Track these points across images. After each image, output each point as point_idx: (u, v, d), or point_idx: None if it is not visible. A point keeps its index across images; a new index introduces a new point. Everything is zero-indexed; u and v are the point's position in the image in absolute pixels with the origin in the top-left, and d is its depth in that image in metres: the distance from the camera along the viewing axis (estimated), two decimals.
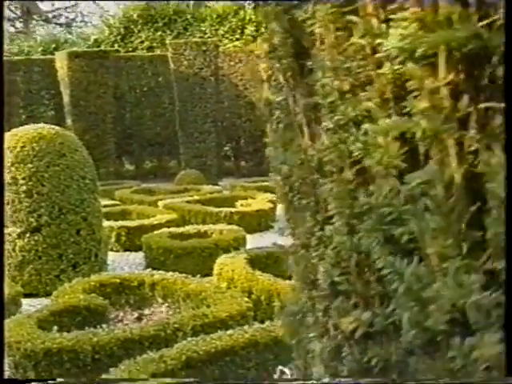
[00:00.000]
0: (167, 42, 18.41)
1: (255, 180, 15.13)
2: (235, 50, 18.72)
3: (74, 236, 7.29)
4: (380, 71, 1.22)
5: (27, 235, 7.18)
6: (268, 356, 4.53)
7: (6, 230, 7.19)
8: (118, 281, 6.32)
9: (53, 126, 7.68)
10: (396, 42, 1.10)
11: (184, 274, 7.35)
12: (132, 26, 23.50)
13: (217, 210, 10.62)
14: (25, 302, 6.68)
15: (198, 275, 6.64)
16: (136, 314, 6.12)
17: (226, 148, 19.88)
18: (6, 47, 24.09)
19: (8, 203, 7.20)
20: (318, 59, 1.44)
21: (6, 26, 31.07)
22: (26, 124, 17.90)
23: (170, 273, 6.45)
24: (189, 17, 22.74)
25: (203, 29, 22.65)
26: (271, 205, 11.03)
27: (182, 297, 5.94)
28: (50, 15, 30.25)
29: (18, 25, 30.17)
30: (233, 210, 10.63)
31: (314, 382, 4.05)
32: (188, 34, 22.86)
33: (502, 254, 1.06)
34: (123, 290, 6.32)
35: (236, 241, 8.17)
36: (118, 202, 12.07)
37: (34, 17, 29.64)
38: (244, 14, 21.99)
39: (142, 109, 19.47)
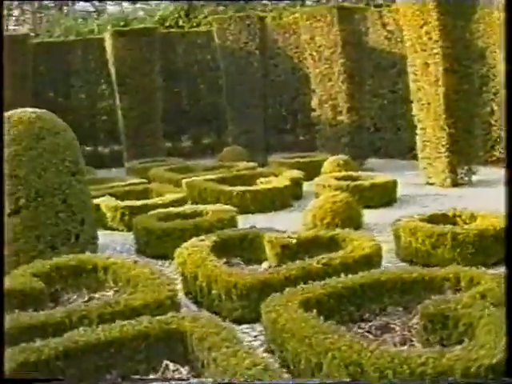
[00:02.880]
0: (210, 17, 18.39)
1: (304, 155, 14.97)
2: (289, 23, 18.42)
3: (51, 218, 7.42)
4: None
5: (6, 217, 7.38)
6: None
7: None
8: (74, 263, 6.40)
9: (36, 110, 7.80)
10: None
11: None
12: (195, 2, 23.65)
13: (229, 188, 10.59)
14: None
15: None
16: (86, 297, 6.21)
17: (284, 122, 19.71)
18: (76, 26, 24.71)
19: None
20: None
21: (85, 4, 31.84)
22: (85, 103, 18.82)
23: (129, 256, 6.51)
24: None
25: (264, 2, 22.57)
26: (288, 183, 10.90)
27: (124, 282, 5.97)
28: None
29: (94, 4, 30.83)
30: (244, 188, 10.57)
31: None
32: (250, 7, 22.83)
33: None
34: (80, 273, 6.41)
35: (220, 221, 8.12)
36: (144, 181, 12.19)
37: None
38: None
39: (198, 85, 19.62)
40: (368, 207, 10.05)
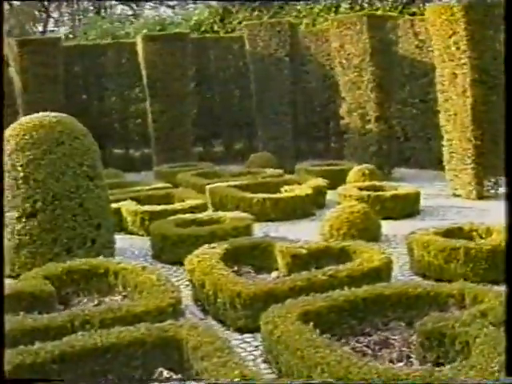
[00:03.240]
0: (242, 22, 18.47)
1: (331, 163, 14.94)
2: (321, 29, 18.37)
3: (68, 221, 7.54)
4: None
5: (23, 220, 7.52)
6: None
7: (7, 214, 7.56)
8: (86, 267, 6.49)
9: (57, 114, 7.92)
10: None
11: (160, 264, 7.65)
12: (230, 7, 23.76)
13: (250, 195, 10.61)
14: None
15: None
16: (96, 301, 6.28)
17: (316, 129, 19.66)
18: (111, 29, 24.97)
19: (8, 189, 7.56)
20: None
21: (124, 7, 32.21)
22: (118, 107, 18.97)
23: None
24: None
25: (298, 7, 22.53)
26: (309, 191, 10.87)
27: (132, 287, 6.03)
28: None
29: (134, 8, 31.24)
30: (264, 195, 10.58)
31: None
32: (284, 13, 22.83)
33: None
34: (91, 277, 6.49)
35: (235, 229, 8.14)
36: (167, 185, 12.28)
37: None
38: None
39: (231, 90, 19.68)
40: (389, 218, 10.01)
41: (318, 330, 4.51)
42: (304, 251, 6.74)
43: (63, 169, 7.54)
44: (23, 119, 7.91)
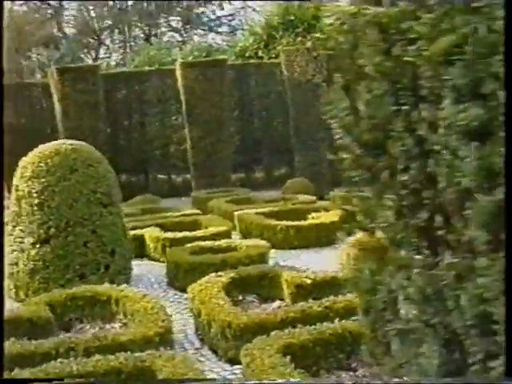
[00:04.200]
0: (281, 49, 18.59)
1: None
2: None
3: (80, 248, 7.65)
4: None
5: (37, 246, 7.66)
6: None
7: (24, 240, 7.73)
8: (90, 294, 6.55)
9: (72, 142, 8.08)
10: None
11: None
12: (274, 33, 23.89)
13: (274, 222, 10.57)
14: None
15: None
16: (97, 328, 6.32)
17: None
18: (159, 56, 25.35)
19: (25, 215, 7.73)
20: None
21: (173, 34, 32.74)
22: (159, 133, 19.20)
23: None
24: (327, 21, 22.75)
25: None
26: (335, 219, 10.75)
27: (131, 315, 6.05)
28: (212, 24, 31.61)
29: (184, 35, 31.78)
30: (288, 223, 10.51)
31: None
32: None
33: None
34: (95, 304, 6.55)
35: (248, 258, 8.10)
36: (196, 212, 12.35)
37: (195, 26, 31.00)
38: None
39: (271, 116, 19.73)
40: None
41: (293, 364, 4.43)
42: (308, 281, 6.65)
43: (77, 196, 7.69)
44: (41, 147, 8.09)
